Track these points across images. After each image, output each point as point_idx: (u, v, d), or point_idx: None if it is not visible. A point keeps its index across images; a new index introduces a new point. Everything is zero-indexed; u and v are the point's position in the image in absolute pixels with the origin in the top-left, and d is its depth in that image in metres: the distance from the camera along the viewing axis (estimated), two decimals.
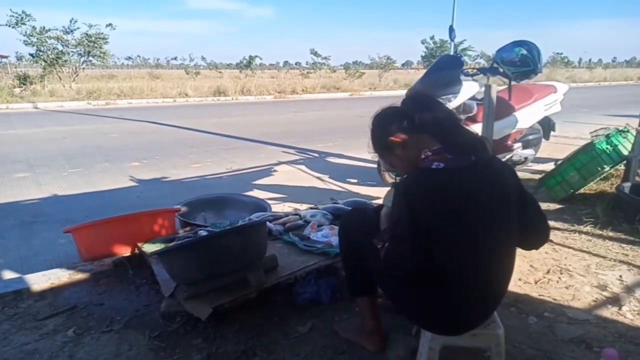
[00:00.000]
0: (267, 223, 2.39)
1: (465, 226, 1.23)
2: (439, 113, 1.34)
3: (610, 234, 2.84)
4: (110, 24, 17.17)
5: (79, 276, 2.34)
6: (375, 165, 4.20)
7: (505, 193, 1.30)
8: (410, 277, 1.30)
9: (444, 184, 1.22)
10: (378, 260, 1.40)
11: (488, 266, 1.29)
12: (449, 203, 1.22)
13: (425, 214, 1.20)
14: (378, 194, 3.84)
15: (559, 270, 2.36)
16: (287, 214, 2.73)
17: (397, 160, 1.40)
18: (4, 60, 20.85)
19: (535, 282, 2.23)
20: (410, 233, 1.21)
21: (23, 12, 15.26)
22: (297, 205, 3.63)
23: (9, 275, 2.52)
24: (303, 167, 5.33)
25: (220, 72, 27.63)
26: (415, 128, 1.32)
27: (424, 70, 5.24)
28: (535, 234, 1.44)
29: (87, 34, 16.55)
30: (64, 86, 15.64)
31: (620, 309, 1.98)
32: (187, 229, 2.61)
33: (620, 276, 2.28)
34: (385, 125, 1.40)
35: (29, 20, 15.30)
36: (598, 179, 3.47)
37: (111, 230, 2.47)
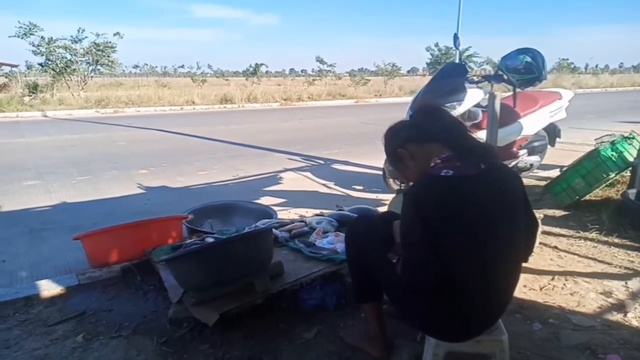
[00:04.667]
0: (273, 230, 2.41)
1: (473, 234, 1.24)
2: (447, 121, 1.38)
3: (616, 240, 2.83)
4: (117, 33, 17.33)
5: (88, 282, 2.38)
6: (380, 172, 4.21)
7: (513, 201, 1.31)
8: (425, 286, 1.29)
9: (452, 191, 1.24)
10: (384, 267, 1.42)
11: (496, 273, 1.29)
12: (457, 211, 1.23)
13: (434, 221, 1.21)
14: (383, 201, 3.86)
15: (564, 277, 2.36)
16: (292, 221, 2.76)
17: (409, 171, 1.43)
18: (14, 69, 21.13)
19: (540, 289, 2.23)
20: (423, 239, 1.23)
21: (30, 23, 15.51)
22: (303, 212, 3.65)
23: (19, 281, 2.56)
24: (309, 174, 5.35)
25: (227, 80, 27.80)
26: (423, 138, 1.35)
27: (430, 77, 5.27)
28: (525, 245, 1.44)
29: (95, 43, 16.73)
30: (72, 95, 15.82)
31: (625, 315, 1.98)
32: (194, 236, 2.64)
33: (626, 283, 2.28)
34: (394, 139, 1.45)
35: (36, 31, 15.53)
36: (603, 185, 3.46)
37: (119, 237, 2.51)
